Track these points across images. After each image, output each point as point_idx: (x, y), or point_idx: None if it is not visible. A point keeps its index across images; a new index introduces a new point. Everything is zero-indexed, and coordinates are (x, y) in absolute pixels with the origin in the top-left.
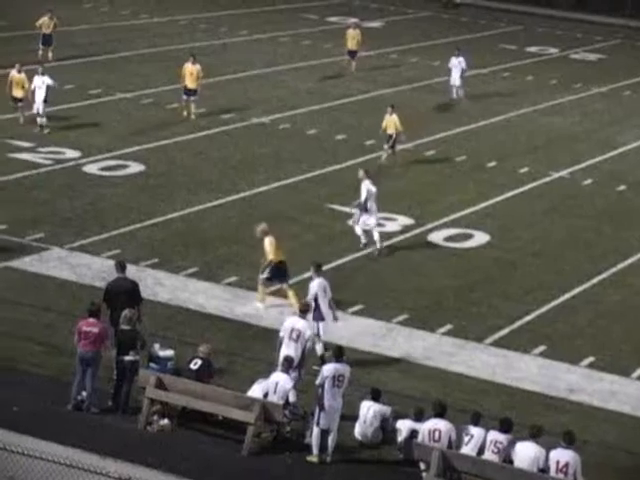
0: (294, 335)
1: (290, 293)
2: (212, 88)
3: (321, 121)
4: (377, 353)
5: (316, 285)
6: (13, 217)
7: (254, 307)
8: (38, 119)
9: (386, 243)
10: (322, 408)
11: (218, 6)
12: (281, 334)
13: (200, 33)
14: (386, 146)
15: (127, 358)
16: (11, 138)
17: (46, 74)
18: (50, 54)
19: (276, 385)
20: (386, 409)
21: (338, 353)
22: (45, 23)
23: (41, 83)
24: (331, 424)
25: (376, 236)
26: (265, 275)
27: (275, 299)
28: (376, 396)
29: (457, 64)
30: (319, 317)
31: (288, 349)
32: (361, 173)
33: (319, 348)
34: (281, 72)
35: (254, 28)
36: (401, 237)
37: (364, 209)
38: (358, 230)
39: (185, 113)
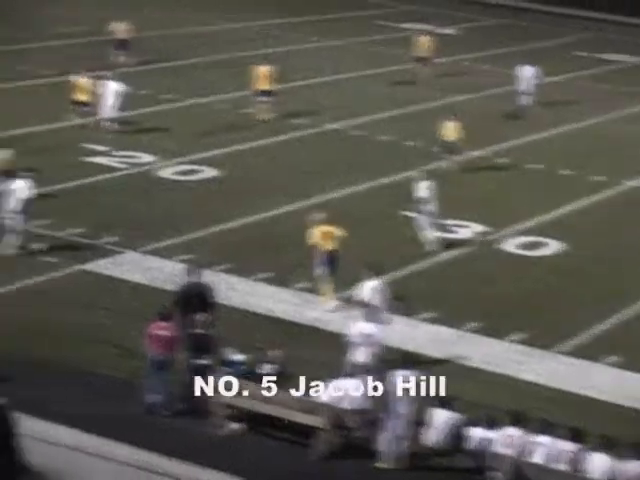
0: (363, 339)
1: (328, 285)
2: (284, 94)
3: (393, 128)
4: (447, 360)
5: (369, 287)
6: (88, 221)
7: (323, 309)
8: (108, 124)
9: (459, 251)
10: (392, 414)
11: (291, 13)
12: (350, 338)
13: (272, 39)
14: (447, 154)
15: (199, 362)
16: (86, 142)
17: (115, 79)
18: (125, 59)
19: (346, 390)
20: (457, 416)
21: (408, 360)
22: (120, 29)
23: (110, 88)
24: (401, 430)
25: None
26: (320, 271)
27: (342, 302)
28: (446, 404)
29: (528, 72)
30: (372, 319)
31: (358, 354)
32: (422, 174)
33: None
34: (353, 78)
35: (326, 34)
36: (474, 244)
37: (426, 211)
38: (431, 235)
39: (260, 116)
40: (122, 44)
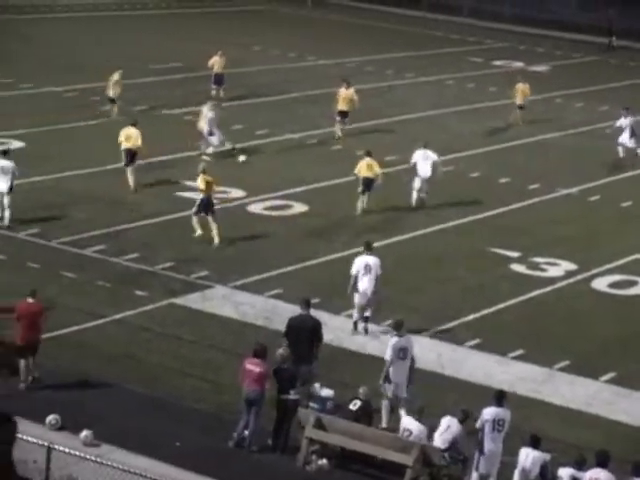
0: None
1: (214, 225)
2: (377, 129)
3: (484, 164)
4: (538, 399)
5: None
6: (179, 255)
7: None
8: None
9: (549, 288)
10: (482, 452)
11: (385, 49)
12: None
13: (366, 75)
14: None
15: (286, 397)
16: (179, 177)
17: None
18: (222, 93)
19: (447, 428)
20: (545, 456)
21: (499, 397)
22: (217, 63)
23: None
24: (491, 469)
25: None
26: (194, 209)
27: (439, 341)
28: (535, 443)
29: (628, 124)
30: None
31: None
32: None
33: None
34: (445, 115)
35: (420, 71)
36: (564, 282)
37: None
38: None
39: (337, 136)
40: (219, 78)
